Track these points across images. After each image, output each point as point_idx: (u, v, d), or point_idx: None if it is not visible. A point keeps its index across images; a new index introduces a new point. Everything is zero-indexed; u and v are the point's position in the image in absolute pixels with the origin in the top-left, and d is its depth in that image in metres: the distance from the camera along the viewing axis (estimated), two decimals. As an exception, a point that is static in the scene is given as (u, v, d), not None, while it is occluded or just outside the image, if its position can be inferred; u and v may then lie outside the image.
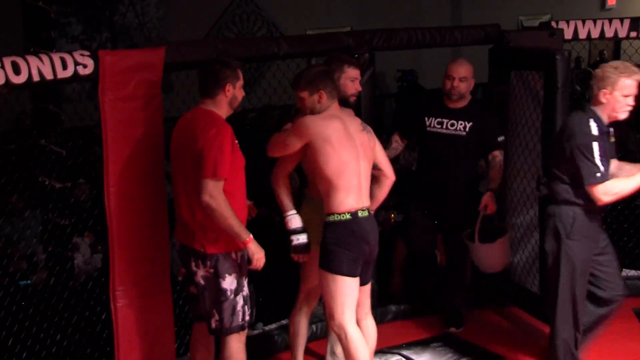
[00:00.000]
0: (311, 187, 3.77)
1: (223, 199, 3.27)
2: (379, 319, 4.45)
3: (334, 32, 5.05)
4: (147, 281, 3.72)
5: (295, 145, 3.45)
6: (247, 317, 3.46)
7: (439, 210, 4.49)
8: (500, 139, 4.47)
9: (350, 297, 3.46)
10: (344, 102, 3.77)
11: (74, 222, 3.85)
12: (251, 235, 3.35)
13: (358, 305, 3.55)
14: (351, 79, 3.83)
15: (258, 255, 3.38)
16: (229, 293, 3.39)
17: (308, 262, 3.84)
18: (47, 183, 3.71)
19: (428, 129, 4.42)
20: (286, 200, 3.64)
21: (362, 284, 3.54)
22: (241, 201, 3.45)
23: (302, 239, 3.61)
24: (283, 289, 4.38)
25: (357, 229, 3.42)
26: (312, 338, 4.18)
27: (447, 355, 4.37)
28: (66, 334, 3.78)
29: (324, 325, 4.28)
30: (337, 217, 3.42)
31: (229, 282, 3.38)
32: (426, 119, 4.43)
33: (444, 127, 4.40)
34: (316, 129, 3.41)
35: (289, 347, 4.05)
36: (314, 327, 4.17)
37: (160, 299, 3.78)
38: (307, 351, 4.14)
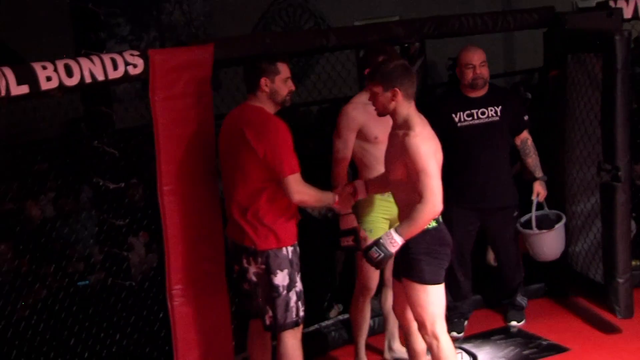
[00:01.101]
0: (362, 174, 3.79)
1: (307, 188, 3.34)
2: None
3: (383, 22, 5.04)
4: (203, 279, 3.76)
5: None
6: (301, 313, 3.48)
7: (483, 205, 4.34)
8: (526, 117, 4.42)
9: (440, 305, 3.39)
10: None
11: (129, 222, 3.92)
12: (336, 196, 3.46)
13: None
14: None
15: (349, 215, 3.57)
16: (281, 289, 3.41)
17: (359, 261, 3.88)
18: (101, 184, 3.78)
19: (459, 124, 4.26)
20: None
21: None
22: None
23: (349, 239, 3.62)
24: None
25: (443, 235, 3.36)
26: (370, 333, 4.19)
27: (508, 348, 4.33)
28: (125, 333, 3.86)
29: (381, 319, 4.28)
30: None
31: (280, 278, 3.40)
32: (454, 115, 4.27)
33: (476, 117, 4.27)
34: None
35: (347, 341, 4.07)
36: (371, 321, 4.18)
37: (217, 296, 3.83)
38: (366, 346, 4.15)
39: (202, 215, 3.74)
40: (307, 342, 3.70)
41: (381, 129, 3.81)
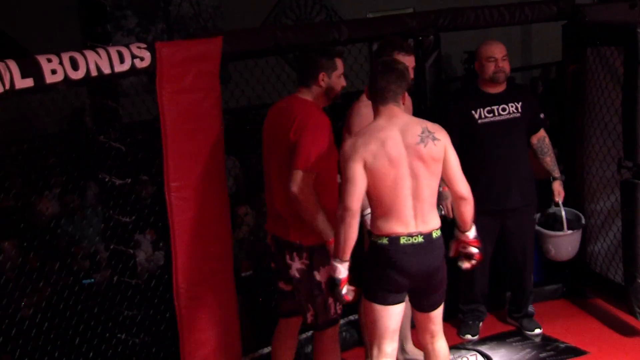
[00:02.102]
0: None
1: (312, 192, 3.28)
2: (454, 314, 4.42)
3: (397, 14, 5.01)
4: (210, 278, 3.76)
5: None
6: (339, 311, 3.49)
7: (505, 206, 4.27)
8: (542, 115, 4.40)
9: (378, 327, 3.25)
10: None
11: (135, 219, 3.92)
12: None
13: (423, 332, 3.39)
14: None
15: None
16: (323, 286, 3.41)
17: None
18: (107, 180, 3.77)
19: (480, 121, 4.19)
20: None
21: (422, 310, 3.34)
22: (335, 194, 3.43)
23: None
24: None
25: (389, 257, 3.17)
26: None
27: (524, 350, 4.30)
28: (131, 332, 3.86)
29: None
30: (375, 238, 3.21)
31: (323, 275, 3.40)
32: (473, 112, 4.20)
33: (497, 114, 4.21)
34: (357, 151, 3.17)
35: (358, 342, 4.06)
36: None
37: (225, 295, 3.82)
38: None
39: (210, 213, 3.73)
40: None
41: None
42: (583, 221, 4.35)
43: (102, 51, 3.40)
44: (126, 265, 3.82)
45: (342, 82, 3.47)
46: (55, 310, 3.95)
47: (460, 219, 3.34)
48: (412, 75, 3.79)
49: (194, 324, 3.74)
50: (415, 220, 3.18)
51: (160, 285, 4.07)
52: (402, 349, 4.18)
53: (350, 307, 3.97)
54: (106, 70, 3.39)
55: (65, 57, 3.29)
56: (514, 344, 4.38)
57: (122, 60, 3.43)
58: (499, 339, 4.45)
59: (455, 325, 4.53)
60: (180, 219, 3.66)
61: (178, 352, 3.76)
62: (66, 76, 3.28)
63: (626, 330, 4.40)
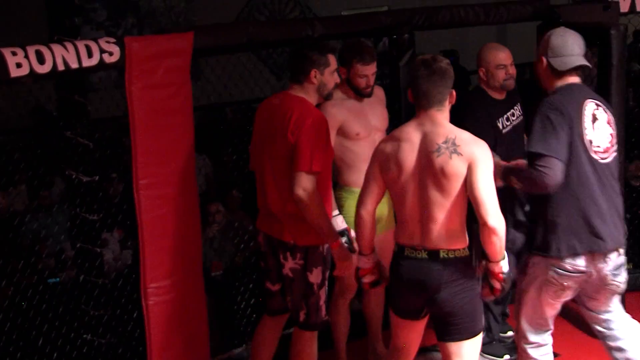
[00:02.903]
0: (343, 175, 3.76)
1: (316, 194, 3.26)
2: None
3: (372, 12, 5.02)
4: (179, 277, 3.74)
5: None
6: (327, 311, 3.52)
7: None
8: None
9: (393, 334, 3.26)
10: (358, 93, 3.77)
11: (103, 217, 3.89)
12: (340, 239, 3.36)
13: None
14: (360, 75, 3.76)
15: (344, 262, 3.39)
16: (315, 287, 3.43)
17: None
18: (74, 177, 3.74)
19: (504, 131, 4.08)
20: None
21: (439, 339, 3.14)
22: (330, 194, 3.46)
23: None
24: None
25: (397, 267, 3.10)
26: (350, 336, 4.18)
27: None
28: (97, 333, 3.83)
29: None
30: (395, 243, 3.15)
31: (315, 276, 3.42)
32: (498, 123, 4.06)
33: (511, 121, 4.14)
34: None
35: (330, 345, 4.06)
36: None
37: (194, 296, 3.81)
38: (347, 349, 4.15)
39: (180, 211, 3.72)
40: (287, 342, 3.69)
41: (362, 124, 3.80)
42: None
43: (69, 45, 3.37)
44: (93, 264, 3.80)
45: (336, 79, 3.45)
46: (18, 310, 3.91)
47: (485, 248, 3.01)
48: (372, 81, 3.79)
49: (161, 325, 3.72)
50: (420, 233, 3.03)
51: (127, 285, 4.05)
52: (373, 351, 4.19)
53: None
54: (74, 65, 3.36)
55: (31, 50, 3.26)
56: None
57: (90, 55, 3.41)
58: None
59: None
60: (148, 217, 3.64)
61: (145, 353, 3.74)
62: (32, 70, 3.25)
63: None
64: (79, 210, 3.74)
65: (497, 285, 3.06)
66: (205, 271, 3.97)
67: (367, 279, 3.24)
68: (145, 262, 3.66)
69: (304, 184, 3.24)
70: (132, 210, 3.65)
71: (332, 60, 3.43)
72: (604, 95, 4.15)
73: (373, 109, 3.89)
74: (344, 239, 3.52)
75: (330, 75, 3.42)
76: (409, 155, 3.01)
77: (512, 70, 4.11)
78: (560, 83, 3.28)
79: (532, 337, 3.47)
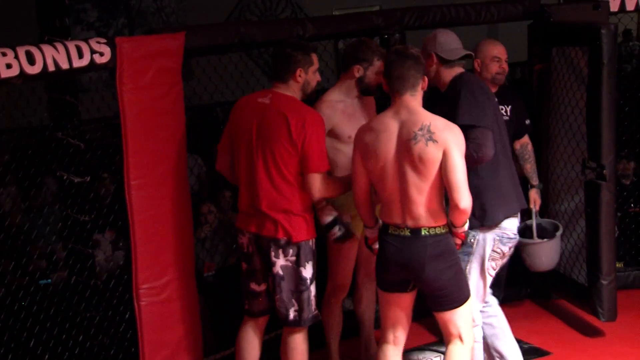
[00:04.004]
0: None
1: (331, 184, 3.45)
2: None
3: (363, 12, 5.03)
4: (171, 278, 3.74)
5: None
6: (315, 306, 3.54)
7: None
8: (528, 122, 4.41)
9: (382, 312, 3.42)
10: (367, 92, 3.79)
11: (94, 218, 3.88)
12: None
13: (442, 331, 3.43)
14: (377, 72, 3.80)
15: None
16: (308, 282, 3.47)
17: (332, 258, 3.89)
18: (65, 178, 3.73)
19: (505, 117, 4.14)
20: None
21: (432, 309, 3.38)
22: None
23: (336, 230, 3.60)
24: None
25: (383, 244, 3.33)
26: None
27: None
28: (89, 334, 3.82)
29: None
30: (379, 221, 3.38)
31: (308, 271, 3.47)
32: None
33: None
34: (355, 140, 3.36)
35: (322, 344, 4.07)
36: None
37: (186, 296, 3.80)
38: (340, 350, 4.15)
39: (172, 212, 3.71)
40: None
41: (355, 128, 3.80)
42: (560, 232, 4.31)
43: (60, 46, 3.37)
44: (84, 265, 3.79)
45: (318, 77, 3.52)
46: (9, 311, 3.89)
47: (453, 220, 3.29)
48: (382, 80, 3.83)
49: (154, 326, 3.71)
50: (402, 214, 3.25)
51: (119, 286, 4.04)
52: (365, 350, 4.20)
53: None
54: (64, 65, 3.35)
55: (21, 51, 3.25)
56: (478, 344, 4.42)
57: (80, 55, 3.40)
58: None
59: (425, 325, 4.57)
60: (140, 218, 3.64)
61: (137, 354, 3.73)
62: (22, 71, 3.25)
63: (589, 331, 4.47)
64: (71, 211, 3.73)
65: (459, 242, 3.37)
66: (197, 272, 3.97)
67: (375, 246, 3.46)
68: (137, 263, 3.65)
69: (319, 185, 3.40)
70: (123, 211, 3.64)
71: (315, 59, 3.50)
72: (594, 95, 4.19)
73: (366, 113, 3.90)
74: (336, 229, 3.58)
75: (313, 74, 3.49)
76: (387, 144, 3.20)
77: (505, 67, 4.22)
78: (453, 73, 3.54)
79: (477, 316, 3.65)
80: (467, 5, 4.70)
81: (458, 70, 3.55)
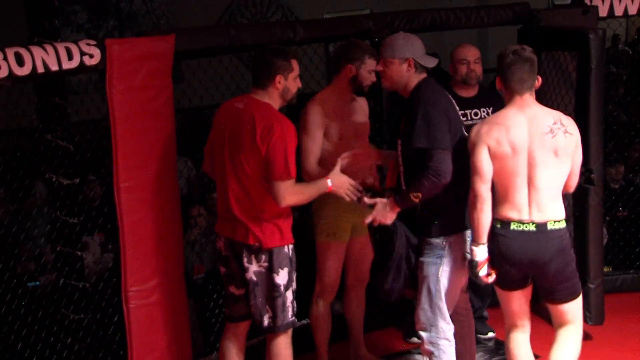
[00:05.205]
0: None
1: (297, 192, 3.38)
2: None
3: (353, 15, 5.04)
4: (160, 281, 3.73)
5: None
6: (294, 312, 3.52)
7: None
8: None
9: (505, 310, 3.50)
10: (360, 91, 3.81)
11: (83, 220, 3.87)
12: (328, 181, 3.45)
13: (554, 322, 3.52)
14: (369, 71, 3.82)
15: (343, 184, 3.49)
16: (282, 289, 3.43)
17: (320, 259, 3.91)
18: (54, 180, 3.73)
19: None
20: None
21: (548, 301, 3.45)
22: None
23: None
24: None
25: (502, 241, 3.31)
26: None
27: (477, 354, 4.34)
28: (77, 337, 3.81)
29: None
30: (494, 222, 3.33)
31: (281, 277, 3.42)
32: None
33: (469, 118, 4.23)
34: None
35: (311, 347, 4.07)
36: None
37: (175, 299, 3.80)
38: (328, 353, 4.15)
39: (161, 214, 3.71)
40: (295, 338, 3.64)
41: (345, 128, 3.82)
42: None
43: (49, 47, 3.36)
44: (73, 267, 3.78)
45: (298, 84, 3.48)
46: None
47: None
48: (375, 79, 3.84)
49: (142, 328, 3.71)
50: (529, 208, 3.27)
51: (108, 288, 4.03)
52: (355, 354, 4.20)
53: (303, 312, 3.99)
54: (53, 67, 3.35)
55: (10, 52, 3.25)
56: (466, 348, 4.43)
57: (70, 57, 3.40)
58: (452, 343, 4.49)
59: (402, 329, 4.58)
60: (129, 221, 3.63)
61: (126, 357, 3.72)
62: (11, 72, 3.25)
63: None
64: (59, 213, 3.72)
65: None
66: (187, 274, 3.97)
67: (485, 273, 3.37)
68: (126, 265, 3.65)
69: (283, 193, 3.32)
70: (113, 214, 3.64)
71: (295, 65, 3.46)
72: (583, 99, 4.21)
73: (357, 115, 3.92)
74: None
75: (293, 81, 3.45)
76: (520, 136, 3.25)
77: (474, 67, 4.26)
78: (419, 79, 3.48)
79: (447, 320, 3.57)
80: (457, 9, 4.73)
81: (422, 76, 3.50)
